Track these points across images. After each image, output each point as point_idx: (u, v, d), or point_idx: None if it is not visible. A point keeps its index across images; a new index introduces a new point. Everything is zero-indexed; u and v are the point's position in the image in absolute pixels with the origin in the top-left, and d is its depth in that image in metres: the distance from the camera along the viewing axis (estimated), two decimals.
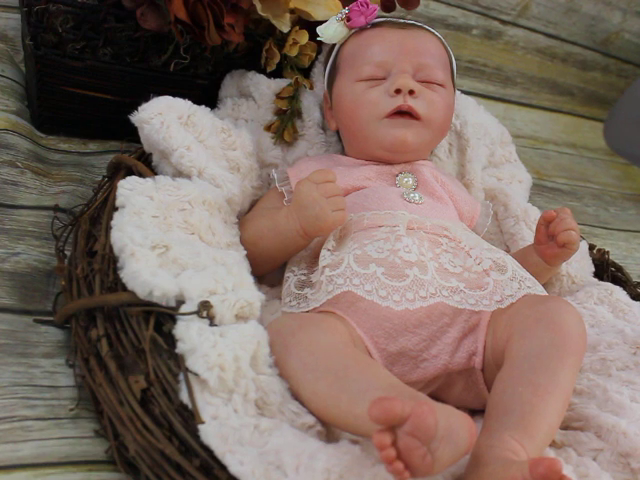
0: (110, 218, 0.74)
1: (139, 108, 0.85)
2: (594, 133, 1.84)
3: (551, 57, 1.76)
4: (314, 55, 1.05)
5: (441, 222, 0.84)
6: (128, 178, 0.78)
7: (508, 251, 1.00)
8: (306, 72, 1.08)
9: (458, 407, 0.59)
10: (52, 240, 0.85)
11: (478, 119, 1.12)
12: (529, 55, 1.73)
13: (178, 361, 0.63)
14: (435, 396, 0.79)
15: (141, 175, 0.82)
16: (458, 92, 1.08)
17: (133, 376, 0.64)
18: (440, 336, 0.77)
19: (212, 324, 0.65)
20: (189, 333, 0.63)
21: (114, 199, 0.76)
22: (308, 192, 0.79)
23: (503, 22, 1.65)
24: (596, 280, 1.01)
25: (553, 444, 0.72)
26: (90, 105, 1.02)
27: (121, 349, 0.67)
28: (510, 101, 1.72)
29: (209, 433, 0.58)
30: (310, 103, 1.02)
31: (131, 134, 0.86)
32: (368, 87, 0.91)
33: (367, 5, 0.95)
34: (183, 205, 0.78)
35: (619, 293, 0.95)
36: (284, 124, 0.99)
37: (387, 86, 0.90)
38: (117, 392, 0.64)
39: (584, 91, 1.85)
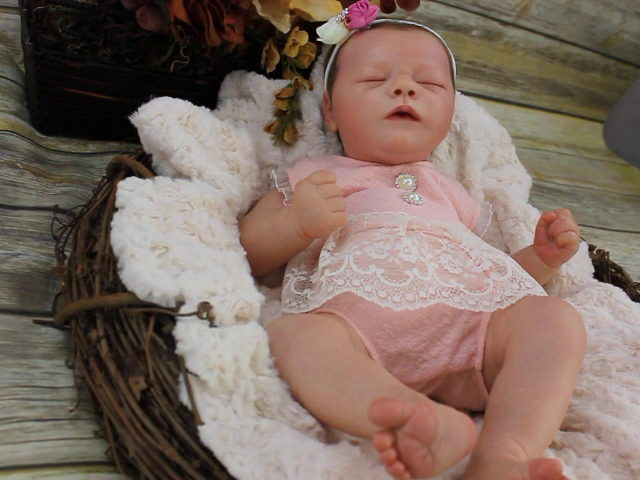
0: (110, 219, 0.74)
1: (139, 109, 0.85)
2: (594, 134, 1.84)
3: (551, 58, 1.76)
4: (314, 56, 1.05)
5: (441, 223, 0.84)
6: (128, 179, 0.78)
7: (508, 252, 1.00)
8: (306, 73, 1.08)
9: (458, 408, 0.59)
10: (52, 241, 0.85)
11: (478, 120, 1.12)
12: (529, 56, 1.73)
13: (178, 362, 0.63)
14: (435, 397, 0.79)
15: (141, 176, 0.82)
16: (458, 93, 1.08)
17: (133, 377, 0.64)
18: (440, 337, 0.77)
19: (212, 325, 0.65)
20: (189, 334, 0.63)
21: (114, 200, 0.76)
22: (308, 193, 0.79)
23: (503, 23, 1.65)
24: (596, 281, 1.01)
25: (553, 445, 0.72)
26: (90, 106, 1.02)
27: (121, 350, 0.67)
28: (510, 102, 1.72)
29: (209, 434, 0.58)
30: (310, 104, 1.02)
31: (131, 135, 0.86)
32: (368, 88, 0.91)
33: (367, 6, 0.95)
34: (183, 206, 0.78)
35: (619, 294, 0.95)
36: (284, 125, 0.99)
37: (387, 87, 0.90)
38: (117, 393, 0.64)
39: (584, 92, 1.85)
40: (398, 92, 0.89)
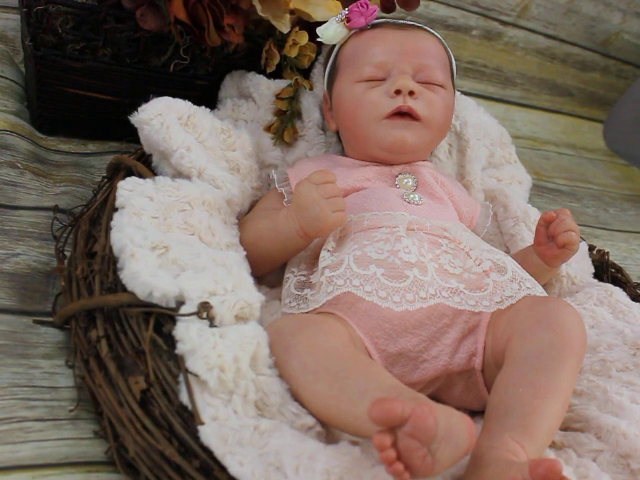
0: (110, 219, 0.74)
1: (139, 109, 0.85)
2: (594, 134, 1.84)
3: (551, 58, 1.76)
4: (314, 56, 1.05)
5: (441, 223, 0.84)
6: (128, 179, 0.78)
7: (508, 252, 1.00)
8: (306, 73, 1.08)
9: (458, 408, 0.59)
10: (52, 241, 0.85)
11: (478, 120, 1.12)
12: (529, 56, 1.73)
13: (178, 362, 0.63)
14: (435, 397, 0.79)
15: (141, 176, 0.82)
16: (458, 93, 1.08)
17: (133, 377, 0.64)
18: (440, 337, 0.77)
19: (212, 325, 0.65)
20: (189, 334, 0.63)
21: (114, 200, 0.76)
22: (308, 193, 0.79)
23: (503, 23, 1.65)
24: (596, 281, 1.01)
25: (553, 445, 0.72)
26: (90, 106, 1.02)
27: (121, 350, 0.67)
28: (510, 102, 1.73)
29: (209, 434, 0.58)
30: (310, 104, 1.02)
31: (131, 135, 0.86)
32: (368, 88, 0.91)
33: (367, 6, 0.95)
34: (183, 206, 0.78)
35: (619, 294, 0.95)
36: (284, 125, 0.99)
37: (387, 87, 0.90)
38: (117, 393, 0.64)
39: (584, 92, 1.85)
40: (398, 92, 0.89)
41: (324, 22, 0.97)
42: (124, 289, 0.68)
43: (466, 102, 1.14)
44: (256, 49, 1.04)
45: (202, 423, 0.59)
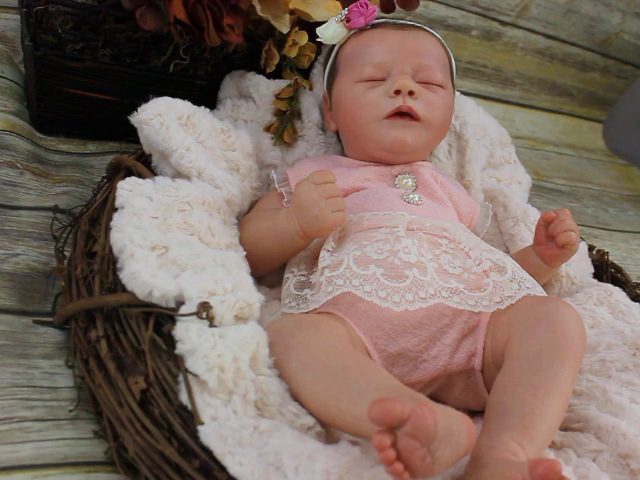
0: (109, 219, 0.74)
1: (139, 109, 0.85)
2: (593, 134, 1.84)
3: (550, 58, 1.76)
4: (313, 56, 1.05)
5: (440, 223, 0.84)
6: (128, 179, 0.78)
7: (507, 252, 1.00)
8: (305, 73, 1.08)
9: (458, 408, 0.59)
10: (51, 241, 0.85)
11: (477, 120, 1.12)
12: (528, 56, 1.73)
13: (178, 362, 0.63)
14: (435, 397, 0.79)
15: (140, 176, 0.82)
16: (457, 93, 1.08)
17: (132, 377, 0.64)
18: (440, 337, 0.77)
19: (212, 325, 0.65)
20: (189, 334, 0.63)
21: (113, 200, 0.76)
22: (308, 193, 0.79)
23: (502, 23, 1.65)
24: (595, 281, 1.01)
25: (553, 445, 0.72)
26: (89, 106, 1.02)
27: (120, 350, 0.67)
28: (509, 102, 1.73)
29: (209, 434, 0.58)
30: (310, 104, 1.02)
31: (131, 135, 0.86)
32: (368, 88, 0.91)
33: (366, 6, 0.95)
34: (182, 206, 0.78)
35: (618, 294, 0.95)
36: (284, 125, 1.00)
37: (387, 87, 0.90)
38: (116, 393, 0.64)
39: (583, 92, 1.85)
40: (398, 92, 0.89)
41: (324, 22, 0.97)
42: (124, 289, 0.68)
43: (466, 102, 1.14)
44: (256, 49, 1.04)
45: (202, 423, 0.59)
